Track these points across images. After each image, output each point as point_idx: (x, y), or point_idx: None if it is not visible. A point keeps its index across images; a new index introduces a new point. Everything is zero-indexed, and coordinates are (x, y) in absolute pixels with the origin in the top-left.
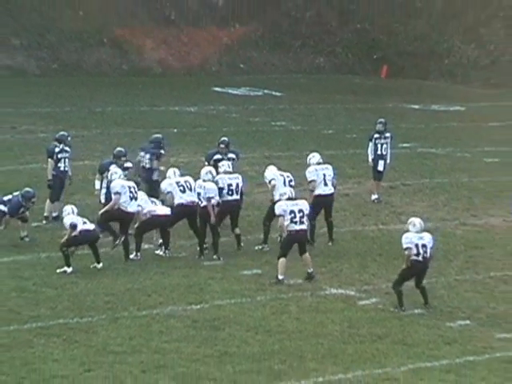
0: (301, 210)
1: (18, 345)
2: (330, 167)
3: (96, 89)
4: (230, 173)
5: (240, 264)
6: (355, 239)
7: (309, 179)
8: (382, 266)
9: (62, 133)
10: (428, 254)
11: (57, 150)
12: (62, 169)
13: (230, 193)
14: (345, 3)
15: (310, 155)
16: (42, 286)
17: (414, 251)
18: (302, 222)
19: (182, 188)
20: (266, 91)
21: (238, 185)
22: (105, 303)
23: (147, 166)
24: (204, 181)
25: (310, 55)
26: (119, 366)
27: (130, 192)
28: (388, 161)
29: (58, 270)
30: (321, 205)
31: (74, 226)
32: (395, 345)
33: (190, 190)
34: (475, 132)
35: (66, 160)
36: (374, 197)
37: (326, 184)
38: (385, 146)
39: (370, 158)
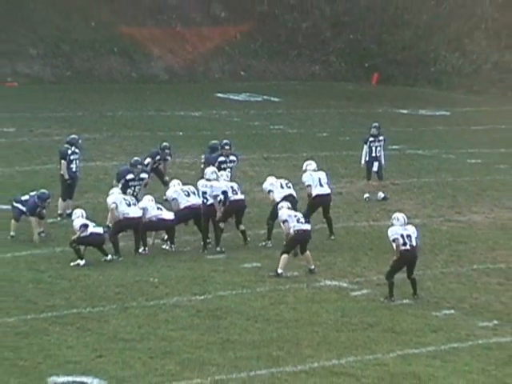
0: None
1: (35, 332)
2: (323, 173)
3: (107, 95)
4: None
5: (241, 258)
6: (348, 234)
7: (306, 184)
8: (372, 260)
9: (72, 136)
10: (414, 243)
11: (69, 152)
12: (73, 170)
13: (235, 192)
14: (338, 15)
15: (307, 162)
16: (57, 277)
17: (401, 241)
18: (307, 222)
19: (186, 193)
20: (265, 97)
21: (238, 186)
22: (115, 294)
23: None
24: (209, 180)
25: (306, 63)
26: (129, 353)
27: (126, 200)
28: (383, 162)
29: (71, 264)
30: (318, 204)
31: (85, 226)
32: (385, 332)
33: (194, 194)
34: (459, 135)
35: (77, 161)
36: (365, 195)
37: (321, 185)
38: (378, 148)
39: (364, 160)
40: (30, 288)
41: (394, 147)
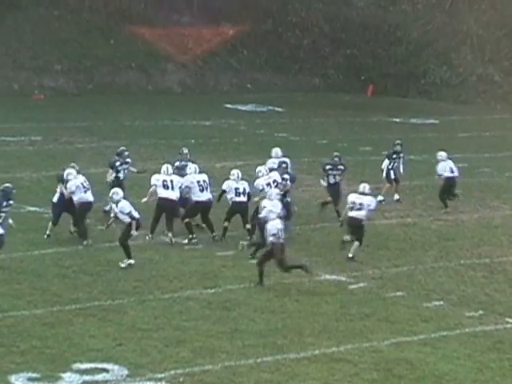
0: None
1: (61, 323)
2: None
3: (125, 106)
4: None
5: (248, 254)
6: (346, 232)
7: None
8: (368, 256)
9: (121, 148)
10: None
11: (117, 164)
12: (120, 178)
13: (238, 195)
14: (337, 32)
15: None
16: (80, 273)
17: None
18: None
19: (201, 187)
20: (269, 107)
21: (244, 189)
22: (133, 288)
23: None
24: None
25: (307, 76)
26: (146, 341)
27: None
28: (401, 170)
29: (122, 265)
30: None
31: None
32: (380, 322)
33: (207, 189)
34: (447, 141)
35: (125, 170)
36: (396, 197)
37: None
38: (397, 163)
39: (385, 172)
40: (55, 282)
41: (385, 153)
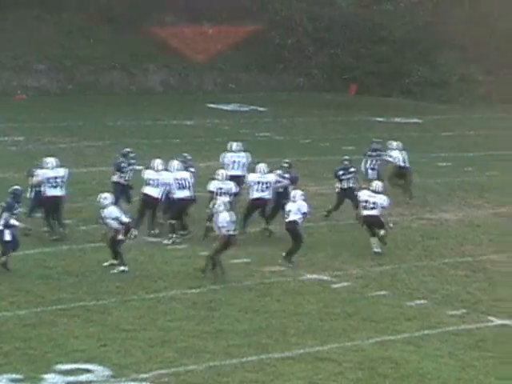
0: None
1: (44, 324)
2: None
3: (108, 106)
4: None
5: (231, 254)
6: (330, 232)
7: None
8: (352, 255)
9: (126, 149)
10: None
11: (122, 165)
12: (125, 178)
13: (220, 195)
14: (320, 32)
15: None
16: (64, 274)
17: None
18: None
19: (178, 185)
20: (252, 107)
21: (229, 189)
22: (117, 288)
23: None
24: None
25: (291, 76)
26: (130, 342)
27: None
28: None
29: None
30: None
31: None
32: (364, 321)
33: (188, 188)
34: (430, 141)
35: (130, 172)
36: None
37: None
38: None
39: (365, 171)
40: (38, 283)
41: (368, 153)
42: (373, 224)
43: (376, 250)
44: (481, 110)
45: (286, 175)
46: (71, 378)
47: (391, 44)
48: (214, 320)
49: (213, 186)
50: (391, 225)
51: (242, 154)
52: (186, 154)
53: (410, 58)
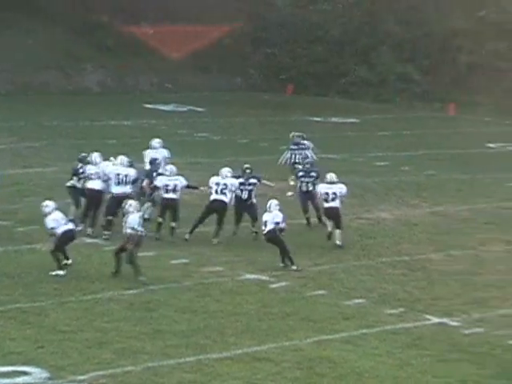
0: None
1: None
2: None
3: (44, 106)
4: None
5: (170, 255)
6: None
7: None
8: (290, 255)
9: (83, 154)
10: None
11: (80, 170)
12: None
13: (167, 192)
14: (257, 32)
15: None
16: (0, 275)
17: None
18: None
19: (117, 181)
20: (190, 107)
21: (175, 185)
22: (54, 290)
23: None
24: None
25: (228, 76)
26: (67, 343)
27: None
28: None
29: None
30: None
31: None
32: (302, 321)
33: (125, 183)
34: (368, 140)
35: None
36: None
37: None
38: (299, 155)
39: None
40: None
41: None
42: (334, 216)
43: (338, 242)
44: (417, 110)
45: (253, 180)
46: (8, 381)
47: (328, 44)
48: (152, 321)
49: (159, 181)
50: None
51: (161, 150)
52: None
53: (347, 57)
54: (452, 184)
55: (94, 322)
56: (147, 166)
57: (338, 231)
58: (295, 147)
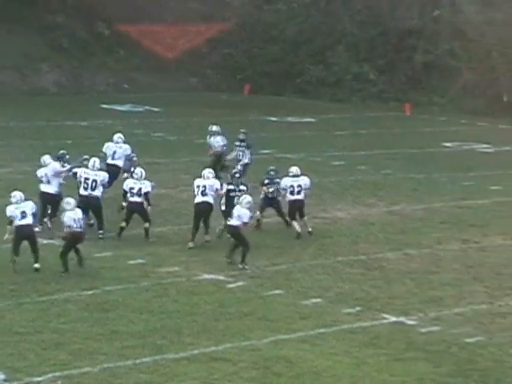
0: None
1: None
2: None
3: (1, 106)
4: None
5: (127, 255)
6: (225, 232)
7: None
8: (247, 255)
9: (61, 151)
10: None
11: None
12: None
13: (132, 195)
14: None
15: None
16: None
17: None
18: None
19: (86, 185)
20: (146, 107)
21: (140, 189)
22: (10, 291)
23: None
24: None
25: (184, 76)
26: (23, 345)
27: None
28: (246, 160)
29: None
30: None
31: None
32: (259, 320)
33: (93, 188)
34: (324, 140)
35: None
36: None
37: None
38: (242, 152)
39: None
40: None
41: (264, 151)
42: (299, 208)
43: (299, 230)
44: (373, 109)
45: (242, 187)
46: None
47: (284, 43)
48: (109, 321)
49: (125, 185)
50: (310, 229)
51: (122, 145)
52: (135, 158)
53: (303, 57)
54: (408, 183)
55: (51, 323)
56: (109, 159)
57: (304, 218)
58: (238, 143)
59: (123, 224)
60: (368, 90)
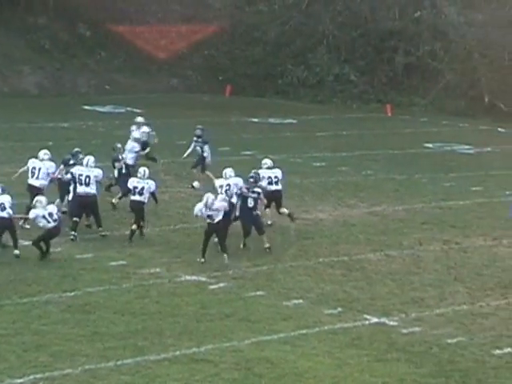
0: None
1: None
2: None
3: None
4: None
5: (108, 256)
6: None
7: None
8: (229, 256)
9: (75, 149)
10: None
11: (71, 162)
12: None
13: (134, 194)
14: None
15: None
16: None
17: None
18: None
19: (80, 182)
20: (128, 109)
21: (143, 188)
22: None
23: None
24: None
25: (165, 78)
26: (4, 347)
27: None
28: (208, 158)
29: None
30: None
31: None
32: (240, 322)
33: (88, 184)
34: (305, 141)
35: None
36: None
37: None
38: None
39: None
40: None
41: (246, 153)
42: (278, 198)
43: (269, 222)
44: (354, 110)
45: (257, 189)
46: None
47: (265, 45)
48: (90, 323)
49: (130, 183)
50: (269, 222)
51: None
52: (119, 145)
53: (284, 58)
54: (389, 184)
55: (32, 325)
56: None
57: (283, 210)
58: (196, 139)
59: (134, 226)
60: (349, 91)
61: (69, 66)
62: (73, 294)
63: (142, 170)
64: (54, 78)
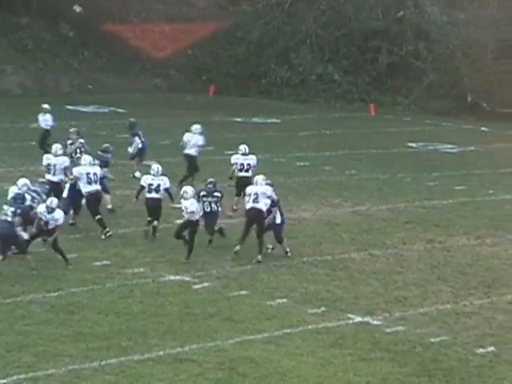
0: None
1: None
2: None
3: None
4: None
5: (91, 256)
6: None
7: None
8: (212, 255)
9: (105, 145)
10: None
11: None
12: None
13: (150, 191)
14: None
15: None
16: None
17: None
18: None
19: (89, 180)
20: (111, 108)
21: (159, 185)
22: None
23: None
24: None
25: (149, 77)
26: None
27: None
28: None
29: None
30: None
31: None
32: (224, 321)
33: (96, 182)
34: (289, 140)
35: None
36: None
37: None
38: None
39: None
40: None
41: (229, 152)
42: (247, 184)
43: (235, 207)
44: (338, 110)
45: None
46: None
47: (248, 44)
48: (73, 323)
49: (143, 181)
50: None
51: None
52: (107, 145)
53: (268, 58)
54: (373, 183)
55: (15, 325)
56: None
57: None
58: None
59: (149, 218)
60: (332, 90)
61: (52, 66)
62: (56, 294)
63: (155, 167)
64: (37, 78)
